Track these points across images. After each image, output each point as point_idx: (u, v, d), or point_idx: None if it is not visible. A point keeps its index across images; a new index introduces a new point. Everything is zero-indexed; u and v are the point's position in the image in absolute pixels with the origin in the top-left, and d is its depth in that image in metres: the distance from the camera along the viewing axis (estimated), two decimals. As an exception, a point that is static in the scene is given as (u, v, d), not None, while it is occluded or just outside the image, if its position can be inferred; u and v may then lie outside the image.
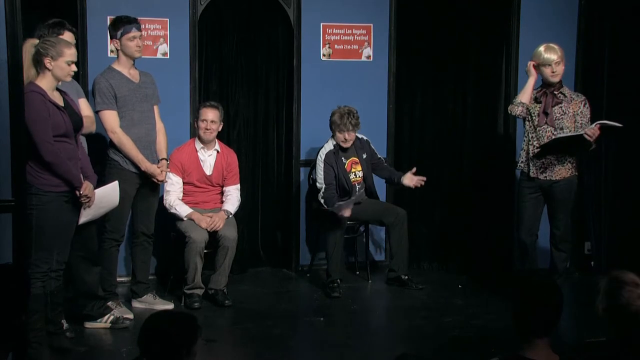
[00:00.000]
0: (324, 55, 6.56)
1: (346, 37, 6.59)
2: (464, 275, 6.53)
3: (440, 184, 6.90)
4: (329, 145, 6.14)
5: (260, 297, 5.97)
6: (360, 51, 6.63)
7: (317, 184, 6.12)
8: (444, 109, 6.90)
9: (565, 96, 5.56)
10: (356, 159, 6.22)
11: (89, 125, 4.99)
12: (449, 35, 6.79)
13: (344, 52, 6.60)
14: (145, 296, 5.56)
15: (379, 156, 6.32)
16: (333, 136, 6.11)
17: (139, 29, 5.29)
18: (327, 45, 6.56)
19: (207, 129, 5.72)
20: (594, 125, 5.37)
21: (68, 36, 4.88)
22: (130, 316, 5.26)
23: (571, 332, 4.97)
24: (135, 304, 5.54)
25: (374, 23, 6.62)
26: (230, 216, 5.78)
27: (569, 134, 5.46)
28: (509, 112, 5.75)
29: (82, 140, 4.89)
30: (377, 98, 6.61)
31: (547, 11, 6.62)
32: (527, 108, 5.60)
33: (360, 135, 6.22)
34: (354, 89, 6.56)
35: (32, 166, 4.30)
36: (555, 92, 5.54)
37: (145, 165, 5.29)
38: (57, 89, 4.48)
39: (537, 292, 2.88)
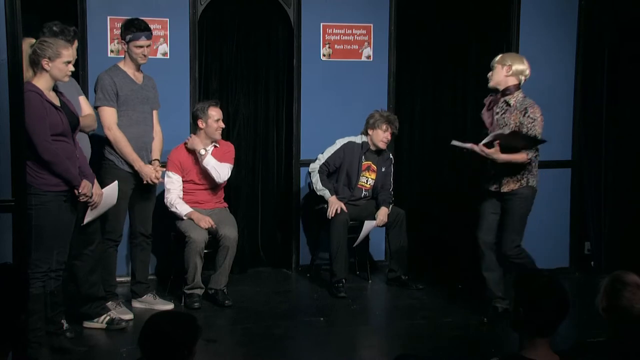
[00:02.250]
0: (324, 55, 6.56)
1: (346, 37, 6.58)
2: (464, 275, 6.53)
3: (440, 184, 6.90)
4: (359, 139, 6.23)
5: (260, 297, 5.97)
6: (360, 51, 6.63)
7: (319, 155, 6.21)
8: (444, 109, 6.91)
9: (509, 105, 5.16)
10: (375, 167, 6.25)
11: (91, 123, 4.98)
12: (449, 35, 6.79)
13: (344, 52, 6.60)
14: (145, 296, 5.56)
15: (390, 180, 6.35)
16: (367, 135, 6.18)
17: (149, 38, 5.27)
18: (327, 45, 6.56)
19: (222, 128, 5.76)
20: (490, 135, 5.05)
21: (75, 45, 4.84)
22: (130, 316, 5.26)
23: (571, 332, 4.96)
24: (136, 304, 5.54)
25: (374, 23, 6.62)
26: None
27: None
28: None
29: (85, 138, 4.89)
30: (377, 98, 6.60)
31: (547, 11, 6.62)
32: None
33: (389, 153, 6.32)
34: (354, 89, 6.57)
35: (30, 166, 4.28)
36: (500, 102, 5.20)
37: (139, 164, 5.27)
38: (54, 89, 4.47)
39: (538, 292, 2.87)
